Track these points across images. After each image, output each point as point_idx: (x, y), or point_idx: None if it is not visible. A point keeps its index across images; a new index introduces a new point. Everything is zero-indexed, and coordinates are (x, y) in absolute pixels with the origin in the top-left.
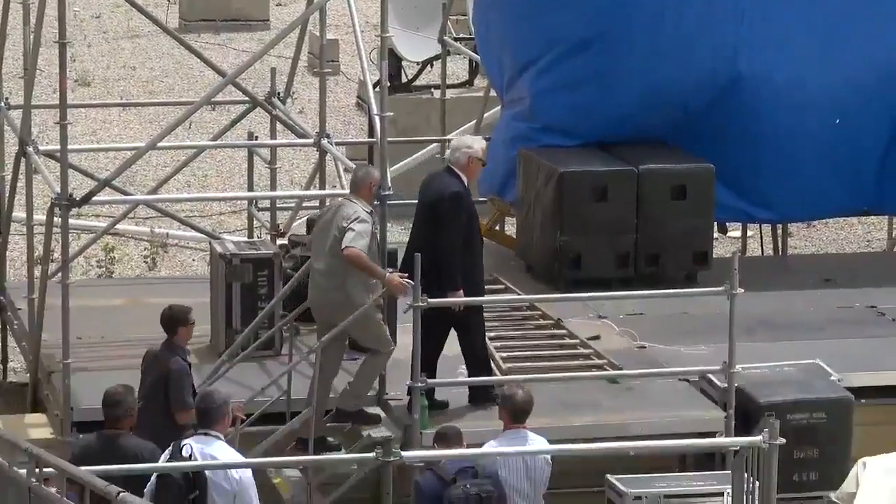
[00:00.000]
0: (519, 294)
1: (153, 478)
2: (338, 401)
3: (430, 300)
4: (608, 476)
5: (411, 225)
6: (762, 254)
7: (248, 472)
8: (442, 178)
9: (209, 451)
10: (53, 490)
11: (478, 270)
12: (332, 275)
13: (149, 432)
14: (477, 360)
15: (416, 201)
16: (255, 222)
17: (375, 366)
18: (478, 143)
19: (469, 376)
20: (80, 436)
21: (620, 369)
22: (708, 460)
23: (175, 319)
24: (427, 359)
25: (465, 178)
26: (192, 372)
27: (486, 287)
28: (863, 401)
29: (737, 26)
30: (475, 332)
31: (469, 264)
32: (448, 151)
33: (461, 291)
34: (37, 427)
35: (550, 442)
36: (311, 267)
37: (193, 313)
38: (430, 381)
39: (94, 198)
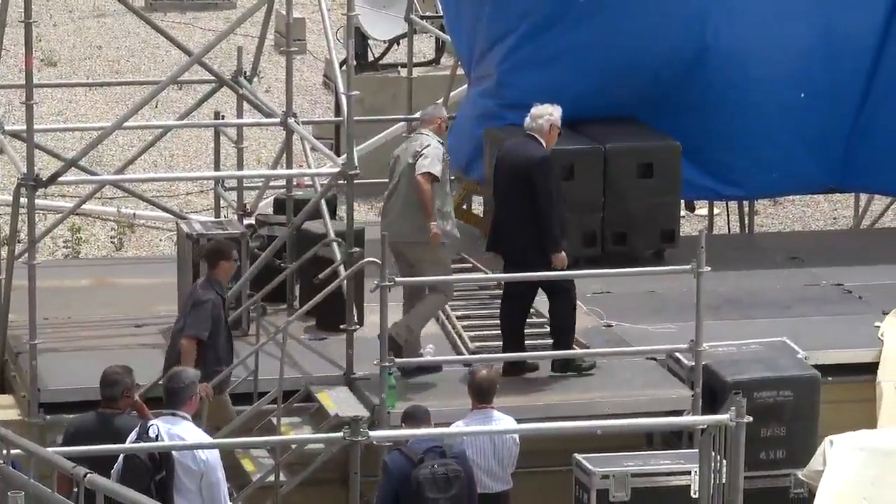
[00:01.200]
0: (487, 273)
1: (120, 458)
2: (392, 327)
3: (397, 280)
4: (576, 455)
5: (494, 196)
6: (729, 231)
7: (216, 453)
8: (526, 146)
9: (176, 431)
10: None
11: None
12: (409, 202)
13: (170, 353)
14: (563, 326)
15: (495, 171)
16: (221, 202)
17: (435, 304)
18: (557, 111)
19: (554, 342)
20: (71, 416)
21: (588, 348)
22: (675, 439)
23: (217, 252)
24: (518, 328)
25: (546, 144)
26: (160, 353)
27: (452, 265)
28: (829, 378)
29: (704, 1)
30: (564, 297)
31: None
32: (527, 119)
33: (563, 254)
34: (3, 408)
35: (518, 421)
36: (386, 197)
37: (166, 290)
38: (397, 360)
39: (61, 178)
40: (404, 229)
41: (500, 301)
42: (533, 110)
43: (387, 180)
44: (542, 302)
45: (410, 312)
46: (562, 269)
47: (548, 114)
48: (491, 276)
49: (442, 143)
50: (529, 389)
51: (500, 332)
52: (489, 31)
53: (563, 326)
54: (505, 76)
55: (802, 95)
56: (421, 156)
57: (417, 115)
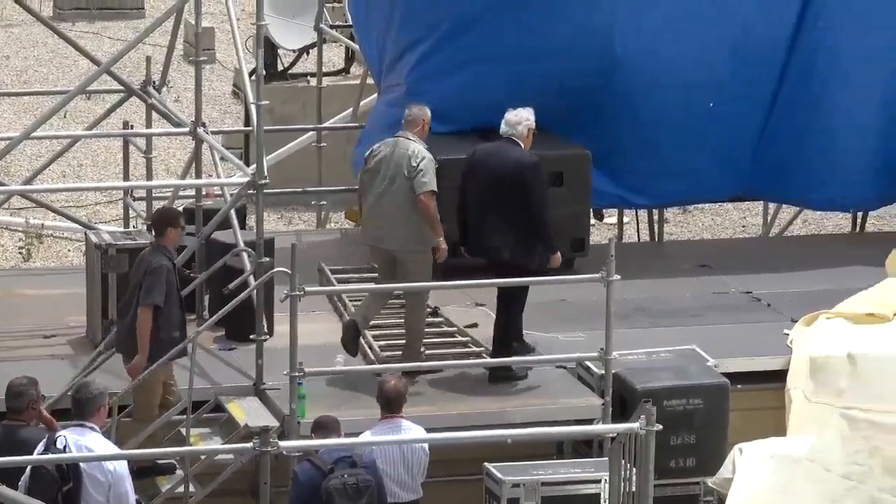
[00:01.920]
0: (396, 282)
1: (27, 470)
2: (406, 353)
3: (307, 289)
4: (486, 464)
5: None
6: (638, 240)
7: (124, 464)
8: (510, 150)
9: (84, 442)
10: None
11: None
12: (403, 210)
13: (131, 329)
14: (508, 335)
15: (471, 175)
16: (130, 212)
17: (420, 313)
18: (532, 114)
19: (494, 349)
20: None
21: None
22: (585, 447)
23: (165, 219)
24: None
25: (524, 148)
26: (69, 364)
27: (361, 275)
28: (739, 386)
29: (612, 8)
30: (520, 305)
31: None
32: (503, 126)
33: (558, 255)
34: None
35: (428, 430)
36: (374, 200)
37: (75, 301)
38: (307, 370)
39: None
40: (400, 239)
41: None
42: (509, 116)
43: (298, 189)
44: (453, 311)
45: (406, 337)
46: (554, 268)
47: (525, 119)
48: (400, 285)
49: (429, 147)
50: (439, 398)
51: (431, 338)
52: (398, 41)
53: (510, 335)
54: (414, 85)
55: (711, 105)
56: (418, 172)
57: (326, 124)
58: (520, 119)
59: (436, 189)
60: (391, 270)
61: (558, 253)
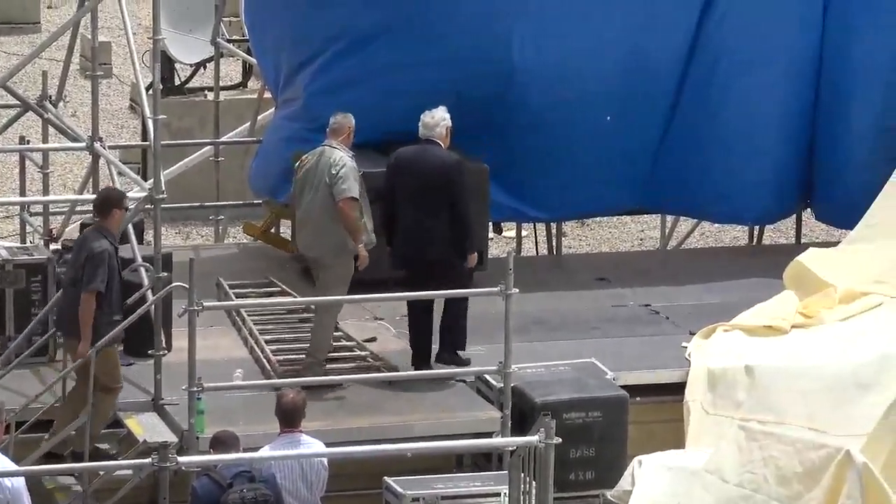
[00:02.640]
0: (295, 296)
1: None
2: (304, 370)
3: (205, 304)
4: (385, 478)
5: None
6: (537, 253)
7: (22, 480)
8: (434, 151)
9: None
10: None
11: None
12: (327, 219)
13: (71, 309)
14: (460, 332)
15: (396, 179)
16: (27, 227)
17: (328, 323)
18: (447, 113)
19: (444, 343)
20: None
21: (397, 370)
22: (485, 461)
23: (110, 201)
24: (424, 335)
25: (444, 147)
26: None
27: (260, 290)
28: (638, 399)
29: (510, 20)
30: (464, 301)
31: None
32: (421, 128)
33: (475, 254)
34: None
35: (328, 445)
36: (303, 211)
37: None
38: (206, 385)
39: None
40: (323, 247)
41: (307, 324)
42: (426, 119)
43: (196, 204)
44: (352, 325)
45: (312, 338)
46: (471, 267)
47: (442, 118)
48: (299, 299)
49: (353, 155)
50: (338, 413)
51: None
52: (296, 54)
53: (459, 325)
54: (312, 99)
55: (609, 118)
56: (338, 179)
57: (224, 138)
58: (437, 120)
59: (356, 196)
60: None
61: (476, 252)
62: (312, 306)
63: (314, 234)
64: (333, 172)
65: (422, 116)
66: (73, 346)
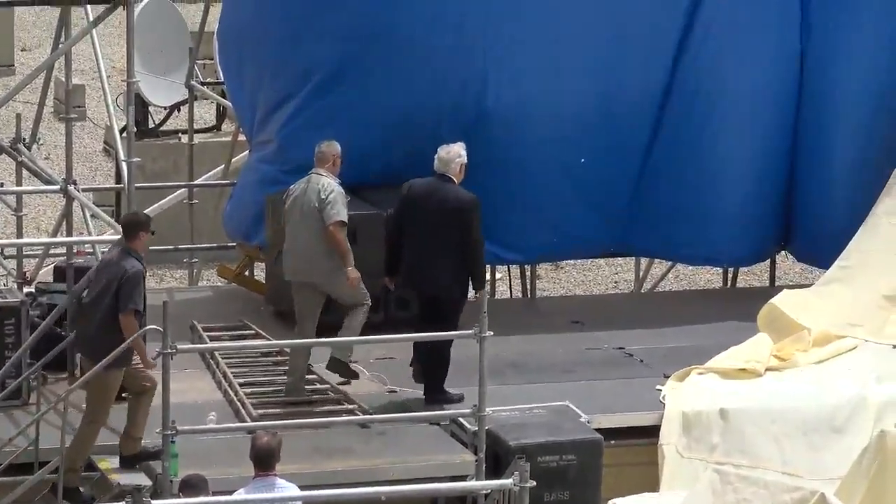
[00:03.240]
0: (269, 340)
1: None
2: (334, 351)
3: (179, 347)
4: None
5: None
6: (511, 296)
7: None
8: (448, 187)
9: None
10: None
11: None
12: (319, 243)
13: (98, 332)
14: (443, 361)
15: (411, 210)
16: (1, 270)
17: (359, 318)
18: (464, 150)
19: (426, 373)
20: None
21: (371, 414)
22: None
23: (137, 224)
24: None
25: (457, 184)
26: None
27: (234, 332)
28: (612, 442)
29: (485, 60)
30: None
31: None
32: (436, 162)
33: (483, 291)
34: None
35: (302, 488)
36: (291, 237)
37: None
38: (180, 428)
39: None
40: (315, 272)
41: (282, 367)
42: (441, 153)
43: (170, 247)
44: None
45: (342, 331)
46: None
47: (458, 155)
48: (273, 342)
49: (340, 182)
50: (313, 456)
51: (282, 398)
52: (270, 96)
53: (441, 359)
54: (286, 141)
55: (583, 160)
56: (327, 203)
57: (198, 181)
58: (452, 156)
59: (345, 220)
60: (315, 301)
61: (484, 290)
62: (286, 349)
63: (304, 260)
64: (322, 197)
65: (438, 150)
66: (97, 374)
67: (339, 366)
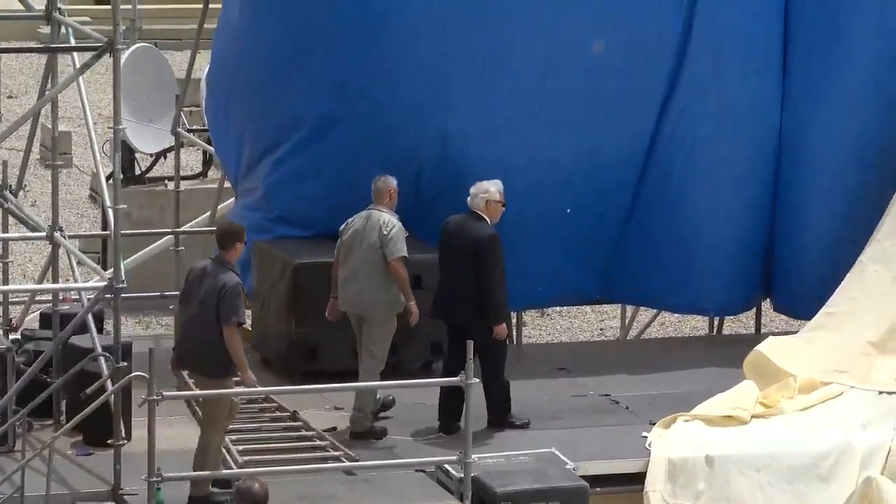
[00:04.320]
0: (255, 386)
1: None
2: (352, 425)
3: (165, 394)
4: None
5: (441, 270)
6: None
7: None
8: (472, 224)
9: None
10: None
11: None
12: (377, 275)
13: (202, 347)
14: (500, 388)
15: (443, 244)
16: None
17: (373, 372)
18: (494, 187)
19: (490, 405)
20: None
21: (357, 460)
22: None
23: (233, 234)
24: (452, 394)
25: (489, 220)
26: None
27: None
28: (598, 489)
29: (470, 114)
30: (500, 361)
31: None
32: (469, 198)
33: (502, 326)
34: None
35: None
36: (350, 270)
37: None
38: (166, 475)
39: None
40: (373, 305)
41: (267, 414)
42: (472, 190)
43: (156, 294)
44: (312, 415)
45: (356, 399)
46: (501, 339)
47: (483, 191)
48: (259, 389)
49: (399, 217)
50: (299, 503)
51: (268, 445)
52: (257, 144)
53: (498, 393)
54: (272, 189)
55: (568, 210)
56: (389, 240)
57: (184, 228)
58: (477, 192)
59: (406, 255)
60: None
61: (503, 325)
62: (273, 396)
63: (361, 293)
64: (385, 233)
65: (471, 187)
66: (201, 382)
67: (362, 435)
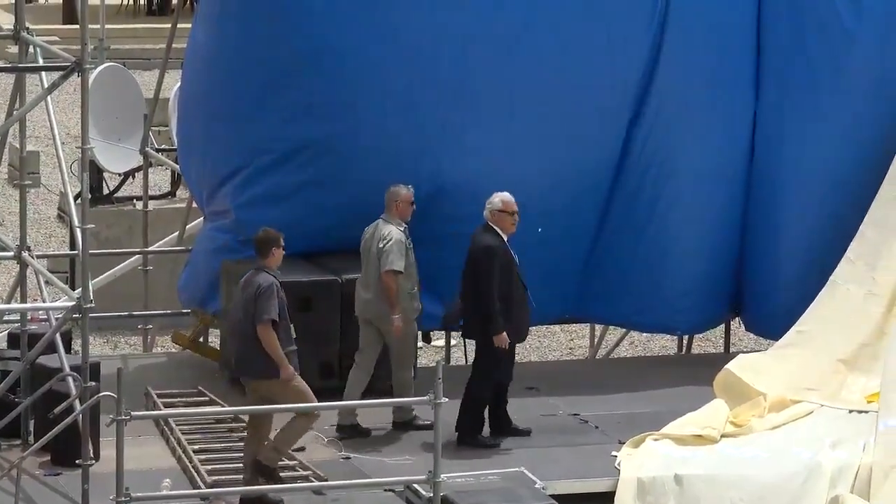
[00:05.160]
0: (223, 406)
1: None
2: (395, 416)
3: (133, 414)
4: None
5: None
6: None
7: None
8: (481, 234)
9: None
10: None
11: (512, 316)
12: (377, 285)
13: (248, 351)
14: (469, 399)
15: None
16: None
17: (402, 376)
18: (498, 197)
19: (461, 412)
20: None
21: (326, 480)
22: None
23: (269, 241)
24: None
25: (500, 231)
26: None
27: (189, 399)
28: None
29: (439, 135)
30: (482, 376)
31: (504, 311)
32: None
33: (504, 335)
34: None
35: None
36: (363, 275)
37: None
38: (134, 495)
39: None
40: (380, 311)
41: (236, 434)
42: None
43: (124, 313)
44: None
45: (395, 389)
46: (500, 348)
47: (488, 202)
48: (228, 408)
49: (404, 226)
50: None
51: (237, 465)
52: (220, 167)
53: (470, 400)
54: (240, 212)
55: (540, 230)
56: (383, 252)
57: (153, 248)
58: (486, 203)
59: (397, 269)
60: (372, 336)
61: (502, 334)
62: (242, 416)
63: (371, 301)
64: (381, 246)
65: None
66: (256, 388)
67: (406, 426)
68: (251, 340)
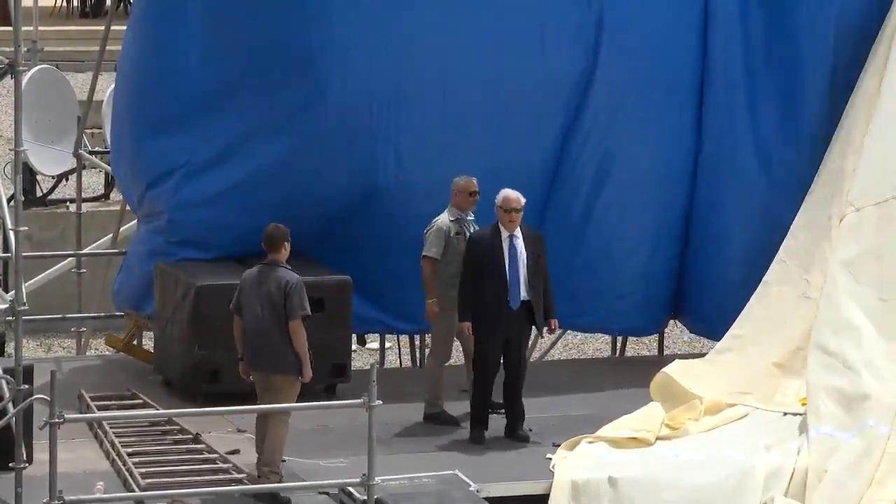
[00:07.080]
0: (157, 409)
1: None
2: (427, 408)
3: (67, 417)
4: None
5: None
6: (401, 365)
7: None
8: (485, 227)
9: None
10: None
11: (481, 309)
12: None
13: (278, 345)
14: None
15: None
16: None
17: (429, 369)
18: (500, 193)
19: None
20: None
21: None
22: None
23: (279, 236)
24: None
25: (502, 224)
26: None
27: (122, 402)
28: None
29: (375, 135)
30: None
31: (473, 303)
32: None
33: (466, 324)
34: None
35: None
36: None
37: None
38: (67, 498)
39: None
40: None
41: (170, 437)
42: None
43: (58, 316)
44: (215, 438)
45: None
46: (478, 335)
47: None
48: (161, 411)
49: (459, 216)
50: None
51: (171, 468)
52: (150, 170)
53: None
54: (174, 213)
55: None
56: (424, 238)
57: (86, 250)
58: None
59: (431, 255)
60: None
61: (464, 323)
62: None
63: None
64: (424, 232)
65: None
66: (272, 382)
67: (435, 419)
68: (277, 335)
